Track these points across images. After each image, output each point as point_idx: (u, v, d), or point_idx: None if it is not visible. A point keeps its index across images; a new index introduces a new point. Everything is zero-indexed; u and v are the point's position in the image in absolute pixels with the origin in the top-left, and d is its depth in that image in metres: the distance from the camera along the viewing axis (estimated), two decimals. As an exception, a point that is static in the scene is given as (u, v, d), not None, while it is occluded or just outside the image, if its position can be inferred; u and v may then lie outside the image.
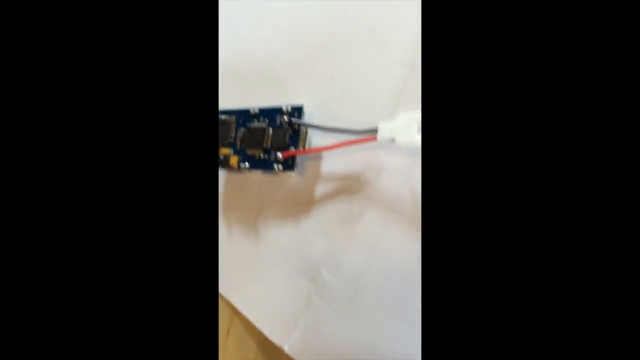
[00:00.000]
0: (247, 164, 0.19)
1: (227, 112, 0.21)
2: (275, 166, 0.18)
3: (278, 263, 0.18)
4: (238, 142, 0.20)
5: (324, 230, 0.17)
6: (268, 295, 0.18)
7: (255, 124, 0.20)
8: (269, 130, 0.19)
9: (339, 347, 0.16)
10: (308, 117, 0.19)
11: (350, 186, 0.17)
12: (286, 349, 0.17)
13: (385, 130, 0.15)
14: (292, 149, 0.18)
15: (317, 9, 0.21)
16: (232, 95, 0.22)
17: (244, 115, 0.20)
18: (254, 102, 0.21)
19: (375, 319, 0.15)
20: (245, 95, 0.22)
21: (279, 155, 0.18)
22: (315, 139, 0.19)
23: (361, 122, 0.18)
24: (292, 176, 0.19)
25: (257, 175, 0.20)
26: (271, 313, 0.18)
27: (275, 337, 0.17)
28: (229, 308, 0.20)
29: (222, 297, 0.20)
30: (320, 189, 0.18)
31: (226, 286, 0.20)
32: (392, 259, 0.16)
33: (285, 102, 0.20)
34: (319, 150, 0.18)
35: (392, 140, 0.15)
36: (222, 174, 0.21)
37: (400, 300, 0.15)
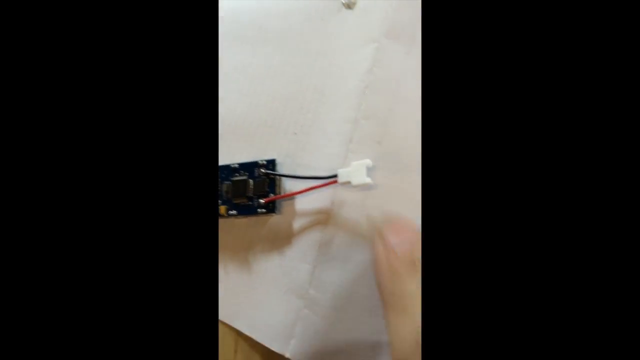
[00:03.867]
0: (234, 211, 0.24)
1: (210, 169, 0.25)
2: (259, 210, 0.23)
3: (270, 288, 0.23)
4: (224, 194, 0.24)
5: (305, 255, 0.22)
6: (266, 315, 0.22)
7: (237, 177, 0.24)
8: (249, 181, 0.24)
9: (329, 346, 0.20)
10: (279, 167, 0.24)
11: (321, 218, 0.22)
12: (288, 355, 0.21)
13: (343, 175, 0.20)
14: (271, 195, 0.23)
15: (273, 76, 0.26)
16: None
17: (225, 170, 0.25)
18: (232, 158, 0.25)
19: (354, 319, 0.20)
20: (222, 152, 0.26)
21: (261, 201, 0.23)
22: (287, 183, 0.24)
23: (322, 168, 0.23)
24: (272, 216, 0.23)
25: (243, 219, 0.25)
26: (271, 329, 0.22)
27: (277, 347, 0.21)
28: (233, 332, 0.23)
29: (226, 324, 0.24)
30: (297, 224, 0.23)
31: (228, 315, 0.23)
32: (359, 271, 0.21)
33: (258, 156, 0.24)
34: (294, 194, 0.22)
35: (349, 183, 0.20)
36: (211, 221, 0.25)
37: (369, 300, 0.20)
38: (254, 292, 0.23)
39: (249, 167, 0.24)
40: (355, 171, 0.20)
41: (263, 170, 0.23)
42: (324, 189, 0.22)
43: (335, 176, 0.21)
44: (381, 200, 0.21)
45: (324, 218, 0.22)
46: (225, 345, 0.23)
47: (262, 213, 0.23)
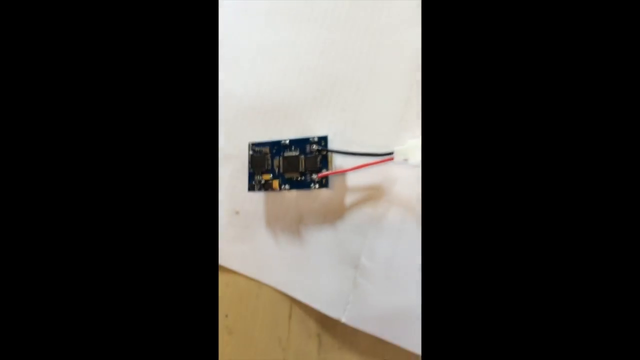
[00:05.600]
0: (287, 185, 0.25)
1: (261, 144, 0.26)
2: (312, 185, 0.24)
3: (324, 258, 0.24)
4: (276, 169, 0.25)
5: (358, 229, 0.23)
6: (321, 284, 0.24)
7: (289, 152, 0.25)
8: (301, 157, 0.25)
9: (382, 312, 0.22)
10: (330, 144, 0.25)
11: (373, 194, 0.23)
12: (344, 320, 0.23)
13: (400, 152, 0.21)
14: (324, 171, 0.24)
15: (320, 53, 0.26)
16: (257, 129, 0.27)
17: (276, 146, 0.25)
18: (280, 134, 0.26)
19: (406, 287, 0.22)
20: (269, 129, 0.27)
21: (314, 176, 0.24)
22: (337, 159, 0.24)
23: (374, 145, 0.23)
24: (323, 191, 0.25)
25: (293, 192, 0.26)
26: (326, 296, 0.23)
27: (333, 313, 0.23)
28: (287, 299, 0.25)
29: (279, 291, 0.25)
30: (348, 199, 0.24)
31: (281, 282, 0.25)
32: (411, 243, 0.22)
33: (305, 132, 0.25)
34: (348, 170, 0.23)
35: (406, 160, 0.21)
36: (261, 194, 0.27)
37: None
38: (308, 261, 0.24)
39: (301, 143, 0.25)
40: (411, 149, 0.21)
41: (316, 147, 0.24)
42: (374, 166, 0.23)
43: (391, 153, 0.22)
44: (434, 177, 0.22)
45: (376, 194, 0.23)
46: (279, 311, 0.25)
47: (315, 188, 0.24)
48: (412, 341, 0.21)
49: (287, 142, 0.25)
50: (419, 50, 0.23)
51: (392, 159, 0.22)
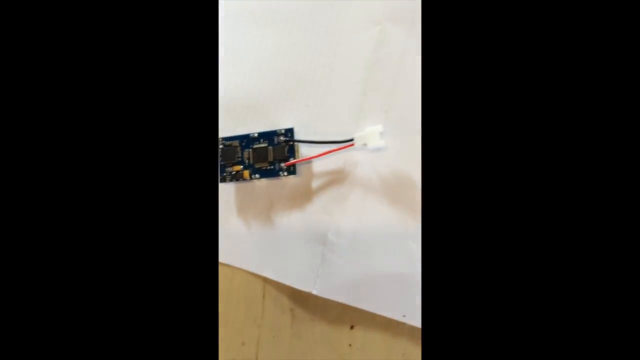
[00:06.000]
0: (257, 175, 0.27)
1: (230, 138, 0.28)
2: (281, 173, 0.26)
3: (294, 239, 0.26)
4: (246, 160, 0.27)
5: (324, 209, 0.26)
6: (291, 262, 0.26)
7: (258, 144, 0.27)
8: (269, 148, 0.27)
9: (350, 281, 0.24)
10: (296, 135, 0.27)
11: (337, 177, 0.26)
12: (315, 292, 0.25)
13: (359, 138, 0.24)
14: (292, 159, 0.26)
15: (284, 54, 0.28)
16: (227, 126, 0.29)
17: (245, 139, 0.27)
18: (249, 129, 0.28)
19: (370, 256, 0.24)
20: (238, 124, 0.29)
21: (283, 165, 0.26)
22: (303, 149, 0.27)
23: (336, 134, 0.26)
24: (291, 178, 0.27)
25: (263, 181, 0.28)
26: (298, 273, 0.25)
27: (305, 287, 0.25)
28: (260, 280, 0.27)
29: (253, 274, 0.27)
30: (315, 183, 0.26)
31: (255, 265, 0.27)
32: (373, 218, 0.25)
33: (273, 126, 0.27)
34: (313, 157, 0.26)
35: (365, 145, 0.24)
36: (232, 186, 0.28)
37: (384, 241, 0.24)
38: (279, 244, 0.26)
39: (269, 136, 0.27)
40: (369, 135, 0.24)
41: (283, 138, 0.26)
42: (337, 152, 0.26)
43: (351, 140, 0.24)
44: (390, 160, 0.25)
45: (340, 177, 0.26)
46: (253, 292, 0.27)
47: (284, 176, 0.26)
48: (376, 304, 0.23)
49: (256, 135, 0.27)
50: (374, 49, 0.26)
51: (352, 144, 0.24)
